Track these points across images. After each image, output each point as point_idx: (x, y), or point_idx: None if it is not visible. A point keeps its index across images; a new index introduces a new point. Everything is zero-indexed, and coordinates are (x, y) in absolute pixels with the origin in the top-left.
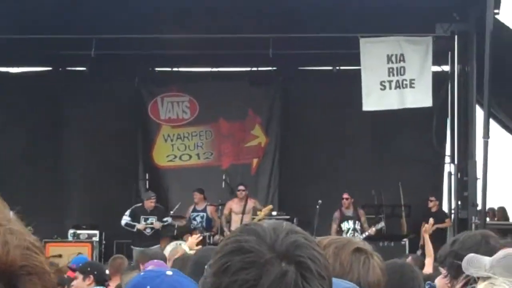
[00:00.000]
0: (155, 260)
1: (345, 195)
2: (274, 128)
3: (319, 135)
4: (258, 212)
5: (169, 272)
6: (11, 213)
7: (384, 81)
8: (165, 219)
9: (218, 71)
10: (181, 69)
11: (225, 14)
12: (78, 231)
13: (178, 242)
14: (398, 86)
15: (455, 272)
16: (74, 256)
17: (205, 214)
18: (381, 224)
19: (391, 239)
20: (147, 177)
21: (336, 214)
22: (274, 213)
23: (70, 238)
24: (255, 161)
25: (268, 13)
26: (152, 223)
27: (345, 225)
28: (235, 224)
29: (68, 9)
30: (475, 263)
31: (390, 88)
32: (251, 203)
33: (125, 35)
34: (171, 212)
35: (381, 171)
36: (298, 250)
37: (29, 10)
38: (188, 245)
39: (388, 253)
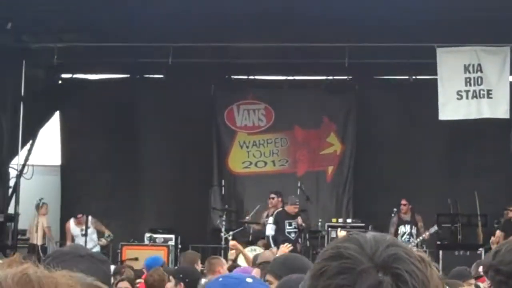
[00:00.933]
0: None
1: (403, 201)
2: (350, 136)
3: (394, 144)
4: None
5: (249, 280)
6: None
7: (461, 91)
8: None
9: (294, 79)
10: (257, 77)
11: (301, 22)
12: (155, 235)
13: (253, 247)
14: (475, 96)
15: (497, 287)
16: None
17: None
18: (434, 228)
19: (467, 248)
20: (223, 183)
21: (394, 219)
22: (349, 220)
23: (146, 242)
24: (330, 168)
25: (344, 22)
26: (296, 226)
27: (401, 229)
28: None
29: (145, 17)
30: None
31: (467, 97)
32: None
33: (201, 44)
34: (247, 217)
35: (457, 180)
36: (396, 263)
37: (107, 18)
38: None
39: (463, 262)
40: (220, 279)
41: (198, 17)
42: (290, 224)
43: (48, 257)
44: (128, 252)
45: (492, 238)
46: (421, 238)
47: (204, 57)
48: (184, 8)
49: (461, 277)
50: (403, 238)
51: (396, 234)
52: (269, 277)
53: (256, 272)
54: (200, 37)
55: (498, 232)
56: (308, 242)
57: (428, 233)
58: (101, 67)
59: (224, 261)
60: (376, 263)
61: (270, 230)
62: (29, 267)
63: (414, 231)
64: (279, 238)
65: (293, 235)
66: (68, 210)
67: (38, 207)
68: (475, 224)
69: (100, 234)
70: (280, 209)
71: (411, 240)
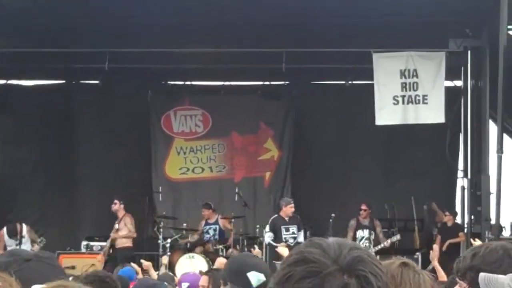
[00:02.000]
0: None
1: (363, 206)
2: (287, 142)
3: (332, 149)
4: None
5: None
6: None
7: (397, 96)
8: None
9: (231, 85)
10: (194, 82)
11: (238, 28)
12: (91, 243)
13: (191, 254)
14: (411, 101)
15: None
16: (87, 267)
17: (217, 226)
18: (397, 237)
19: (404, 253)
20: (160, 190)
21: (353, 222)
22: None
23: (83, 250)
24: (267, 174)
25: (281, 27)
26: (294, 233)
27: (359, 234)
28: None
29: (81, 22)
30: (493, 283)
31: (403, 103)
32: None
33: (138, 49)
34: (184, 225)
35: (393, 185)
36: (360, 265)
37: (42, 23)
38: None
39: None
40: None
41: (134, 22)
42: (287, 230)
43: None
44: (65, 260)
45: (432, 253)
46: (381, 245)
47: (141, 62)
48: (121, 13)
49: None
50: (361, 243)
51: (354, 238)
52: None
53: (203, 280)
54: (136, 43)
55: (435, 246)
56: (246, 249)
57: (389, 241)
58: (36, 73)
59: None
60: (341, 266)
61: (267, 238)
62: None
63: (372, 236)
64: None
65: (291, 240)
66: (2, 218)
67: None
68: (411, 229)
69: (33, 242)
70: (276, 215)
71: (368, 246)
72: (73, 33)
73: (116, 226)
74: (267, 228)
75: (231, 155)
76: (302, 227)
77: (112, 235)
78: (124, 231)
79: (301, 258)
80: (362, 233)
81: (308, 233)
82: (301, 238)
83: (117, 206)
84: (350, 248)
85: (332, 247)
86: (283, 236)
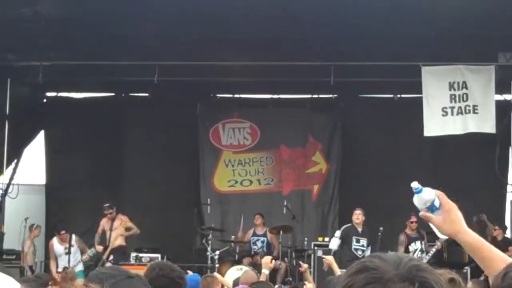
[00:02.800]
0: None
1: (413, 218)
2: (335, 155)
3: (380, 162)
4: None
5: None
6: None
7: (446, 107)
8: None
9: (279, 98)
10: (242, 95)
11: (287, 41)
12: (140, 254)
13: (240, 266)
14: (461, 112)
15: None
16: None
17: (265, 238)
18: (443, 236)
19: (453, 266)
20: (208, 202)
21: (402, 238)
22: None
23: (132, 261)
24: (315, 187)
25: (330, 41)
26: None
27: (413, 246)
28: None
29: (131, 35)
30: None
31: (452, 114)
32: (118, 220)
33: (187, 62)
34: (233, 237)
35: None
36: (421, 272)
37: (92, 36)
38: (264, 267)
39: None
40: None
41: (183, 35)
42: (357, 241)
43: (97, 279)
44: None
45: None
46: (434, 248)
47: (190, 75)
48: (170, 26)
49: None
50: (415, 255)
51: (407, 252)
52: None
53: None
54: (185, 55)
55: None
56: (294, 261)
57: (439, 243)
58: (86, 86)
59: (219, 279)
60: (401, 273)
61: (333, 244)
62: None
63: (423, 246)
64: (346, 253)
65: (360, 252)
66: (52, 229)
67: (31, 228)
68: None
69: (83, 253)
70: (349, 224)
71: (423, 256)
72: (123, 46)
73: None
74: (338, 233)
75: (279, 168)
76: (371, 242)
77: (112, 238)
78: (119, 230)
79: (362, 267)
80: (415, 246)
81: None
82: (368, 253)
83: (114, 213)
84: (409, 258)
85: (392, 257)
86: (353, 246)
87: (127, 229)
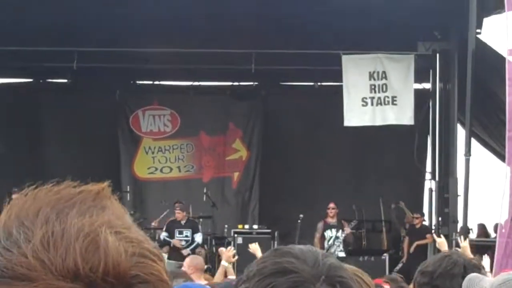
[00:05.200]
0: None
1: (331, 205)
2: (255, 142)
3: (300, 150)
4: None
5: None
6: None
7: (366, 98)
8: (196, 238)
9: (200, 85)
10: (162, 82)
11: (208, 28)
12: None
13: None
14: (380, 103)
15: None
16: None
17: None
18: (354, 222)
19: (372, 254)
20: (128, 189)
21: (320, 224)
22: (255, 226)
23: None
24: (236, 174)
25: (250, 29)
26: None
27: (328, 233)
28: None
29: (51, 21)
30: (475, 285)
31: (372, 104)
32: None
33: (107, 48)
34: (153, 224)
35: (361, 186)
36: (338, 272)
37: (12, 21)
38: (225, 259)
39: (368, 267)
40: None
41: (104, 22)
42: (180, 233)
43: None
44: None
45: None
46: (344, 234)
47: (109, 62)
48: (89, 11)
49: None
50: (329, 243)
51: (322, 239)
52: None
53: None
54: (105, 42)
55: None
56: (214, 248)
57: (349, 228)
58: (3, 71)
59: None
60: (321, 274)
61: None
62: (104, 225)
63: (340, 234)
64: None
65: (183, 243)
66: None
67: None
68: (379, 230)
69: None
70: (172, 218)
71: (338, 245)
72: (42, 31)
73: None
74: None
75: (199, 155)
76: (197, 230)
77: None
78: None
79: (280, 269)
80: (331, 233)
81: (276, 233)
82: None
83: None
84: (324, 255)
85: (306, 255)
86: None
87: None
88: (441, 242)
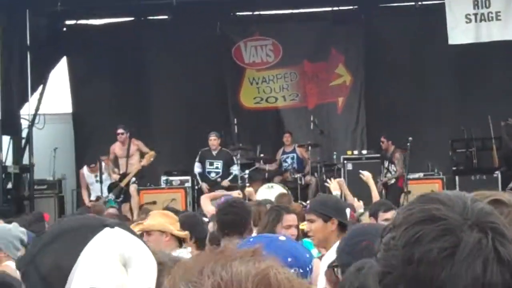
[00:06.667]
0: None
1: (382, 138)
2: (358, 66)
3: (403, 71)
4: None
5: (282, 238)
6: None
7: (469, 14)
8: (232, 170)
9: (300, 13)
10: (262, 12)
11: None
12: (171, 178)
13: (270, 184)
14: (484, 19)
15: None
16: (168, 201)
17: (295, 155)
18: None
19: (483, 172)
20: (235, 122)
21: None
22: (364, 151)
23: (163, 185)
24: (340, 100)
25: None
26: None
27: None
28: (122, 167)
29: None
30: None
31: (476, 21)
32: (134, 146)
33: None
34: (262, 155)
35: (468, 105)
36: (489, 217)
37: None
38: (332, 190)
39: (480, 186)
40: (251, 239)
41: None
42: (211, 164)
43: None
44: (146, 196)
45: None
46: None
47: None
48: None
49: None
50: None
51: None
52: (310, 216)
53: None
54: None
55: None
56: (324, 176)
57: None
58: (105, 12)
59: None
60: (471, 221)
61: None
62: (269, 267)
63: (392, 168)
64: None
65: (213, 175)
66: (82, 157)
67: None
68: (489, 148)
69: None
70: (207, 148)
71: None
72: None
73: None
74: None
75: (303, 83)
76: (231, 163)
77: (134, 167)
78: (136, 156)
79: (428, 216)
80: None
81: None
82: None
83: (126, 135)
84: (471, 199)
85: (454, 200)
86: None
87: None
88: None
